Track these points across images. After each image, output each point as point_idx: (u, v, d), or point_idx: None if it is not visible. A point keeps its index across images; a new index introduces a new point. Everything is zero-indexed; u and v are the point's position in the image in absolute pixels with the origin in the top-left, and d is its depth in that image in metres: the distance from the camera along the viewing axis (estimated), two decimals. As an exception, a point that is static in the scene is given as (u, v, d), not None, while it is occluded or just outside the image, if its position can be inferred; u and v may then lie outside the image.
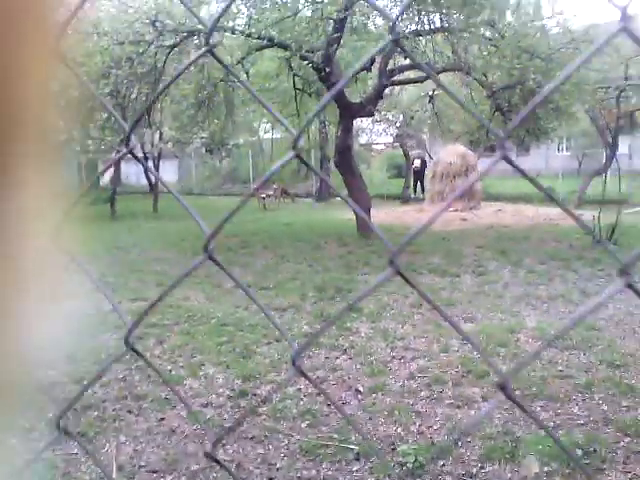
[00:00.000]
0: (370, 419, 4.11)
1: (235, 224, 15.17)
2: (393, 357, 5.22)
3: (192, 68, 11.62)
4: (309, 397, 4.48)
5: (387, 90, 13.25)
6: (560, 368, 4.81)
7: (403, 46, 0.60)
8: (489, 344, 5.35)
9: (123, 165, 25.26)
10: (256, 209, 19.37)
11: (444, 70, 11.38)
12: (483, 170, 0.61)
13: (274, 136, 28.67)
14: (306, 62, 10.67)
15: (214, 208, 19.69)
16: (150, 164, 21.52)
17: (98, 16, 10.72)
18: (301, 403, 4.37)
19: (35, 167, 0.45)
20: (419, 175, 21.67)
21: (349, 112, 12.04)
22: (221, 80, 11.54)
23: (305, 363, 5.14)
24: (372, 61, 11.41)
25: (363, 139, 24.00)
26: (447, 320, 0.57)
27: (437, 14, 10.84)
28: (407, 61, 12.13)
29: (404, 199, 21.05)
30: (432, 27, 11.03)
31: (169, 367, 5.10)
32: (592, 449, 3.58)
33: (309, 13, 10.25)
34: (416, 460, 3.48)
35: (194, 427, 4.03)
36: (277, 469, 3.55)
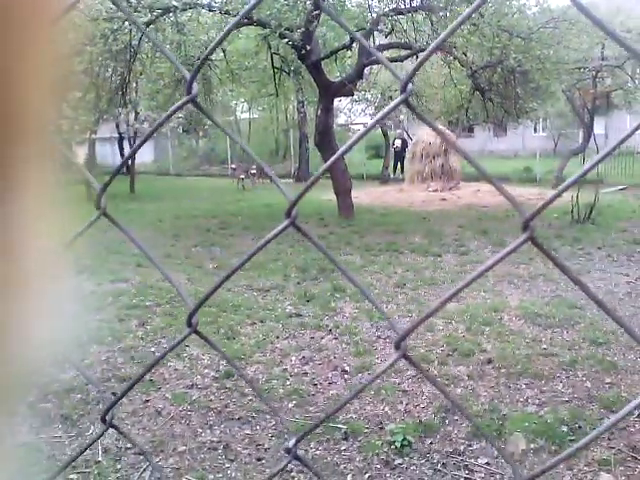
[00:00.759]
0: (357, 398, 4.10)
1: (214, 205, 15.06)
2: (378, 337, 5.22)
3: (168, 46, 11.42)
4: (295, 377, 4.46)
5: (366, 69, 13.15)
6: (544, 346, 4.86)
7: (414, 107, 0.59)
8: (473, 323, 5.38)
9: (98, 145, 24.83)
10: (234, 190, 19.23)
11: (424, 49, 11.31)
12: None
13: (251, 116, 28.40)
14: (285, 40, 10.51)
15: (192, 188, 19.55)
16: (126, 144, 21.23)
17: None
18: (287, 383, 4.36)
19: (35, 168, 0.43)
20: (399, 155, 21.67)
21: (329, 91, 11.93)
22: (198, 58, 11.34)
23: (290, 343, 5.13)
24: (352, 40, 11.30)
25: (341, 119, 23.85)
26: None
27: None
28: (386, 40, 12.03)
29: (383, 179, 21.04)
30: (412, 5, 10.94)
31: (152, 349, 5.04)
32: (577, 425, 3.63)
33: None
34: (404, 438, 3.48)
35: (180, 408, 3.99)
36: (265, 449, 3.53)
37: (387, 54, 12.60)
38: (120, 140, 23.23)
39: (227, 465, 3.36)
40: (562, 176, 17.35)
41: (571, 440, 3.47)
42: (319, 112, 12.12)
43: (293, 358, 4.82)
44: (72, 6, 0.62)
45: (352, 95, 13.88)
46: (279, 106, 23.54)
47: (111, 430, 2.92)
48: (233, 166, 22.01)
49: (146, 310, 6.05)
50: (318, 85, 12.04)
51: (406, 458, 3.36)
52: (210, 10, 10.76)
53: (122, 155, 24.20)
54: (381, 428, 3.69)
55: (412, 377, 4.40)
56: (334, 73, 13.99)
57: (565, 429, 3.57)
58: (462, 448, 3.47)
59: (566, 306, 5.79)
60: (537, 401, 3.98)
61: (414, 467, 3.29)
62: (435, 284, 6.85)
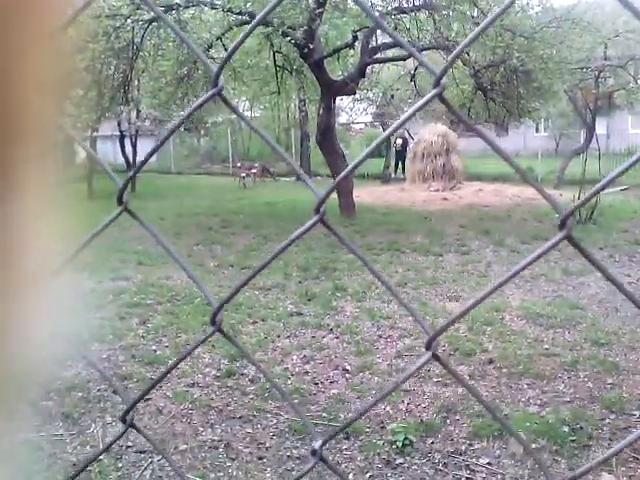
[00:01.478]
0: (359, 398, 4.10)
1: (215, 203, 15.05)
2: (379, 336, 5.22)
3: (170, 44, 11.41)
4: (296, 376, 4.46)
5: (368, 68, 13.13)
6: (546, 346, 4.85)
7: (448, 102, 0.58)
8: (475, 323, 5.37)
9: (99, 143, 24.82)
10: (236, 188, 19.22)
11: (428, 48, 11.31)
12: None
13: (253, 114, 28.38)
14: (288, 39, 10.50)
15: (193, 187, 19.54)
16: (127, 142, 21.21)
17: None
18: (289, 382, 4.36)
19: (35, 167, 0.43)
20: (401, 155, 21.65)
21: (331, 90, 11.91)
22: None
23: (291, 342, 5.13)
24: (354, 38, 11.28)
25: (343, 118, 23.85)
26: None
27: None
28: (389, 38, 12.01)
29: (385, 179, 21.02)
30: (415, 4, 10.93)
31: (153, 347, 5.04)
32: (579, 426, 3.62)
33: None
34: (406, 438, 3.48)
35: (181, 407, 3.99)
36: (266, 448, 3.53)
37: (390, 53, 12.59)
38: (122, 138, 23.19)
39: (228, 464, 3.35)
40: (564, 176, 17.34)
41: (572, 440, 3.46)
42: (321, 111, 12.11)
43: (294, 357, 4.81)
44: (84, 8, 0.62)
45: (354, 94, 13.88)
46: (281, 104, 23.51)
47: (112, 428, 2.90)
48: (239, 164, 22.02)
49: (147, 308, 6.05)
50: (320, 84, 12.03)
51: (407, 458, 3.36)
52: (213, 8, 10.75)
53: (124, 153, 24.16)
54: (382, 427, 3.69)
55: (414, 376, 4.39)
56: (336, 72, 13.98)
57: (567, 429, 3.57)
58: (464, 448, 3.46)
59: (568, 306, 5.79)
60: (539, 401, 3.98)
61: (415, 467, 3.28)
62: (436, 284, 6.84)
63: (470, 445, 3.49)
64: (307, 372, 4.54)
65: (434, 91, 0.54)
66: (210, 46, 11.00)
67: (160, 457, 3.41)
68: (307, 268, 7.59)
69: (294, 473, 3.23)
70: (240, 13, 10.36)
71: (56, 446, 3.50)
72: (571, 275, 6.77)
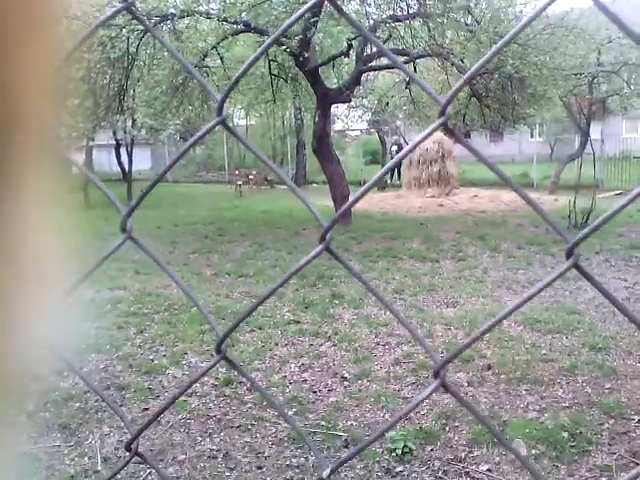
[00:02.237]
0: (357, 406, 4.09)
1: (211, 211, 15.05)
2: (377, 343, 5.21)
3: (165, 53, 11.43)
4: (295, 384, 4.45)
5: (363, 76, 13.17)
6: (544, 352, 4.86)
7: (453, 131, 0.59)
8: (473, 329, 5.37)
9: (95, 152, 24.81)
10: (232, 196, 19.23)
11: (422, 56, 11.36)
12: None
13: (249, 122, 28.43)
14: (283, 47, 10.53)
15: (190, 195, 19.54)
16: (123, 151, 21.21)
17: (68, -1, 10.43)
18: (287, 390, 4.34)
19: (35, 168, 0.43)
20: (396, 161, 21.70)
21: (326, 98, 11.94)
22: (195, 66, 11.35)
23: (289, 350, 5.12)
24: (349, 47, 11.32)
25: (339, 125, 23.90)
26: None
27: (414, -1, 10.80)
28: (384, 46, 12.05)
29: (381, 185, 21.05)
30: (409, 12, 10.97)
31: (151, 356, 5.02)
32: (578, 431, 3.62)
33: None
34: (405, 446, 3.47)
35: (179, 417, 3.98)
36: (265, 457, 3.52)
37: (385, 60, 12.63)
38: (117, 147, 23.19)
39: (227, 474, 3.34)
40: (559, 181, 17.40)
41: (572, 446, 3.46)
42: (316, 118, 12.14)
43: (292, 365, 4.81)
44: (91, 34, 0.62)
45: (349, 102, 13.90)
46: (276, 113, 23.58)
47: (110, 440, 2.87)
48: (236, 172, 22.04)
49: (144, 318, 6.04)
50: (315, 92, 12.06)
51: (407, 465, 3.35)
52: (208, 17, 10.78)
53: (119, 162, 24.12)
54: (381, 435, 3.68)
55: (412, 384, 4.39)
56: (331, 80, 14.02)
57: (566, 435, 3.56)
58: (463, 455, 3.45)
59: (565, 312, 5.79)
60: (537, 407, 3.97)
61: (415, 474, 3.27)
62: (434, 290, 6.85)
63: (470, 452, 3.49)
64: (305, 380, 4.53)
65: (439, 121, 0.55)
66: (205, 55, 11.04)
67: (160, 467, 3.39)
68: (304, 276, 7.59)
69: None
70: (235, 22, 10.39)
71: (54, 457, 3.48)
72: (568, 280, 6.77)
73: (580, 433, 3.60)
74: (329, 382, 4.48)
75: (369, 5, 10.88)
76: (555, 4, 0.58)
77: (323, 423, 3.84)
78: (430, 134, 0.58)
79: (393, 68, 12.93)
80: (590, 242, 9.08)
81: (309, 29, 10.07)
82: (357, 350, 5.06)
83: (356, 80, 11.94)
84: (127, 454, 0.76)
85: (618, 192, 16.53)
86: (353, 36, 10.88)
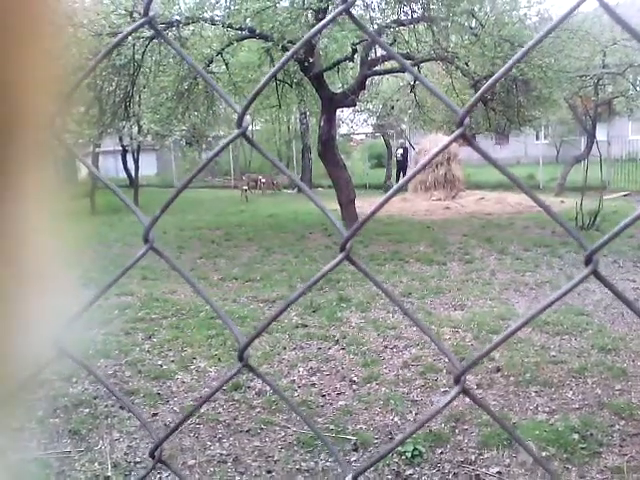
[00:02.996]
0: (366, 409, 4.09)
1: (217, 216, 15.08)
2: (385, 346, 5.20)
3: (171, 60, 11.49)
4: (303, 388, 4.45)
5: (368, 80, 13.19)
6: (553, 353, 4.84)
7: (471, 141, 0.59)
8: (481, 331, 5.36)
9: (101, 158, 24.90)
10: (238, 201, 19.27)
11: (427, 60, 11.37)
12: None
13: (254, 128, 28.50)
14: (288, 53, 10.55)
15: (196, 200, 19.57)
16: (129, 157, 21.29)
17: (73, 7, 10.50)
18: (295, 394, 4.34)
19: (34, 168, 0.43)
20: (401, 164, 21.72)
21: (331, 102, 11.97)
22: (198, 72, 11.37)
23: (297, 354, 5.12)
24: (354, 51, 11.35)
25: (344, 129, 23.93)
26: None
27: (418, 3, 10.81)
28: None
29: (386, 189, 21.06)
30: (414, 17, 10.99)
31: (159, 362, 5.03)
32: (588, 433, 3.60)
33: (287, 4, 10.16)
34: (415, 449, 3.47)
35: (188, 422, 3.98)
36: (275, 461, 3.51)
37: (389, 65, 12.65)
38: (124, 153, 23.29)
39: (237, 478, 3.34)
40: (565, 183, 17.35)
41: (582, 448, 3.45)
42: (322, 123, 12.16)
43: (301, 369, 4.80)
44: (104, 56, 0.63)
45: (354, 106, 13.94)
46: (281, 118, 23.62)
47: (120, 445, 2.88)
48: (243, 177, 22.13)
49: (152, 323, 6.05)
50: (320, 96, 12.09)
51: (417, 468, 3.34)
52: (213, 24, 10.82)
53: (126, 168, 24.18)
54: (391, 439, 3.68)
55: (421, 387, 4.38)
56: (336, 84, 14.04)
57: (576, 437, 3.55)
58: (473, 457, 3.44)
59: (574, 313, 5.77)
60: (547, 409, 3.96)
61: (425, 477, 3.27)
62: (441, 293, 6.84)
63: (480, 454, 3.48)
64: (314, 384, 4.53)
65: (458, 131, 0.55)
66: (211, 61, 11.08)
67: (168, 473, 3.40)
68: (310, 287, 7.58)
69: None
70: (240, 28, 10.44)
71: (64, 463, 3.49)
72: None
73: (591, 435, 3.58)
74: (338, 386, 4.48)
75: (373, 10, 10.90)
76: (559, 7, 0.59)
77: (332, 427, 3.84)
78: (449, 144, 0.59)
79: (398, 72, 12.96)
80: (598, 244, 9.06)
81: (314, 35, 10.09)
82: (365, 353, 5.05)
83: (361, 84, 11.96)
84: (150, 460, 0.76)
85: (625, 193, 16.48)
86: (357, 41, 10.90)
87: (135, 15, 10.14)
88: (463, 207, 15.08)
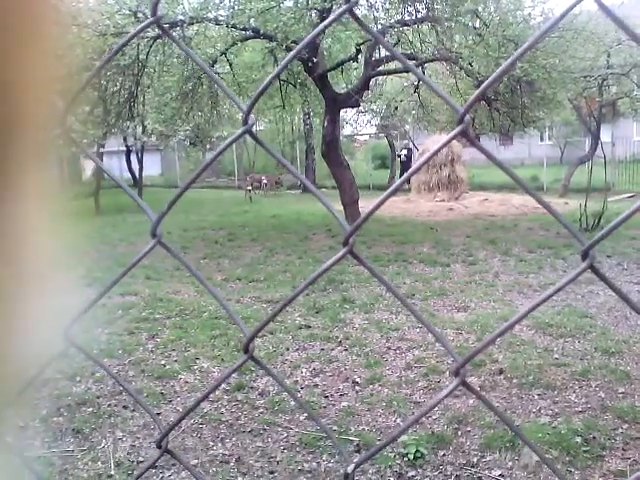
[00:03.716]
0: (369, 410, 4.09)
1: (221, 217, 15.10)
2: (388, 348, 5.20)
3: (175, 60, 11.51)
4: (306, 389, 4.45)
5: (372, 81, 13.20)
6: (556, 356, 4.83)
7: (472, 138, 0.60)
8: (484, 333, 5.36)
9: (105, 159, 24.96)
10: (241, 201, 19.28)
11: (431, 60, 11.36)
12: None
13: (258, 128, 28.53)
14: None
15: (199, 200, 19.61)
16: (133, 157, 21.34)
17: (78, 7, 10.53)
18: (299, 395, 4.34)
19: (34, 168, 0.43)
20: (405, 165, 21.70)
21: (335, 103, 11.97)
22: (205, 72, 11.40)
23: (300, 355, 5.12)
24: (358, 51, 11.35)
25: (347, 130, 23.94)
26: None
27: (422, 3, 10.80)
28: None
29: (390, 190, 21.03)
30: (418, 17, 10.98)
31: (163, 362, 5.04)
32: (591, 436, 3.60)
33: (291, 3, 10.17)
34: (417, 450, 3.46)
35: (191, 421, 3.99)
36: (277, 462, 3.52)
37: (392, 65, 12.64)
38: (128, 153, 23.37)
39: (240, 478, 3.34)
40: (569, 184, 17.31)
41: (585, 451, 3.44)
42: (325, 123, 12.16)
43: (304, 370, 4.81)
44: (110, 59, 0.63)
45: (358, 106, 13.92)
46: (285, 118, 23.64)
47: (123, 444, 2.89)
48: (247, 177, 22.14)
49: (156, 323, 6.06)
50: (324, 97, 12.09)
51: (419, 470, 3.34)
52: (217, 23, 10.83)
53: (130, 168, 24.24)
54: (393, 440, 3.67)
55: (423, 388, 4.38)
56: (340, 84, 14.04)
57: (579, 440, 3.54)
58: (475, 460, 3.44)
59: (577, 315, 5.76)
60: (550, 412, 3.95)
61: (427, 479, 3.26)
62: (444, 294, 6.83)
63: (482, 457, 3.47)
64: (317, 385, 4.53)
65: (458, 128, 0.56)
66: (215, 61, 11.10)
67: (170, 472, 3.41)
68: (314, 280, 7.59)
69: None
70: (244, 29, 10.45)
71: (67, 462, 3.50)
72: (580, 284, 6.73)
73: (594, 438, 3.58)
74: (341, 387, 4.48)
75: (377, 10, 10.90)
76: (563, 7, 0.59)
77: (335, 428, 3.84)
78: (450, 141, 0.59)
79: (402, 72, 12.95)
80: (602, 245, 9.04)
81: (317, 34, 10.09)
82: (368, 355, 5.05)
83: (365, 85, 11.96)
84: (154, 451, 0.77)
85: (630, 195, 16.43)
86: (362, 41, 10.91)
87: (139, 15, 10.17)
88: (467, 208, 15.06)
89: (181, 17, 10.33)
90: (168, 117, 12.74)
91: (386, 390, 4.38)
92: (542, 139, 27.62)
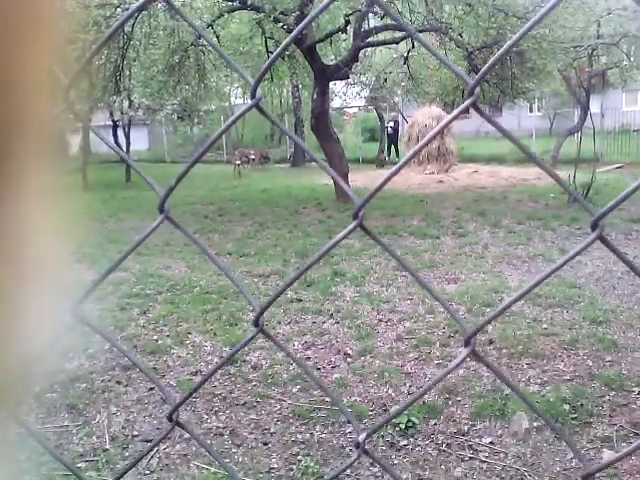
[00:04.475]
0: (360, 382, 4.14)
1: (211, 191, 15.03)
2: (380, 320, 5.25)
3: (161, 32, 11.34)
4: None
5: (361, 52, 13.07)
6: (545, 326, 4.89)
7: (482, 111, 0.63)
8: (474, 304, 5.41)
9: (92, 134, 24.66)
10: (230, 176, 19.18)
11: (421, 30, 11.25)
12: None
13: (246, 101, 28.25)
14: (279, 24, 10.43)
15: (188, 175, 19.50)
16: (120, 132, 21.08)
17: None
18: (291, 368, 4.38)
19: (34, 168, 0.43)
20: (392, 138, 21.62)
21: (324, 75, 11.87)
22: (192, 44, 11.25)
23: (292, 329, 5.15)
24: (347, 22, 11.22)
25: (337, 103, 23.75)
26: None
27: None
28: (382, 22, 11.95)
29: (380, 163, 21.00)
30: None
31: (155, 337, 5.06)
32: (579, 403, 3.67)
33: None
34: (409, 420, 3.52)
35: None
36: (271, 434, 3.56)
37: (382, 36, 12.53)
38: (114, 127, 23.07)
39: (234, 450, 3.39)
40: (558, 156, 17.33)
41: (573, 418, 3.51)
42: (314, 96, 12.07)
43: (296, 343, 4.84)
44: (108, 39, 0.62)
45: (347, 78, 13.84)
46: (274, 91, 23.44)
47: (117, 419, 2.91)
48: (236, 152, 21.97)
49: (147, 298, 6.07)
50: (313, 69, 11.98)
51: (411, 439, 3.40)
52: (203, -6, 10.66)
53: (116, 142, 23.95)
54: (385, 410, 3.73)
55: (414, 359, 4.43)
56: (329, 56, 13.90)
57: (567, 407, 3.61)
58: (466, 428, 3.50)
59: (566, 286, 5.82)
60: (539, 380, 4.02)
61: (419, 448, 3.32)
62: (434, 266, 6.87)
63: (472, 425, 3.53)
64: (309, 358, 4.57)
65: (468, 100, 0.56)
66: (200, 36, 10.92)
67: (166, 446, 3.44)
68: (305, 254, 7.61)
69: (299, 458, 3.26)
70: (231, 0, 10.28)
71: (62, 437, 3.53)
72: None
73: (581, 405, 3.64)
74: (332, 359, 4.52)
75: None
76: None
77: (327, 399, 3.88)
78: (458, 115, 0.60)
79: (391, 43, 12.83)
80: (588, 216, 9.10)
81: (306, 5, 9.97)
82: (359, 327, 5.09)
83: (354, 56, 11.85)
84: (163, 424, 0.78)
85: (618, 165, 16.49)
86: (350, 12, 10.78)
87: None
88: (456, 181, 15.09)
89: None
90: (155, 91, 12.60)
91: (377, 361, 4.42)
92: (531, 110, 27.54)
